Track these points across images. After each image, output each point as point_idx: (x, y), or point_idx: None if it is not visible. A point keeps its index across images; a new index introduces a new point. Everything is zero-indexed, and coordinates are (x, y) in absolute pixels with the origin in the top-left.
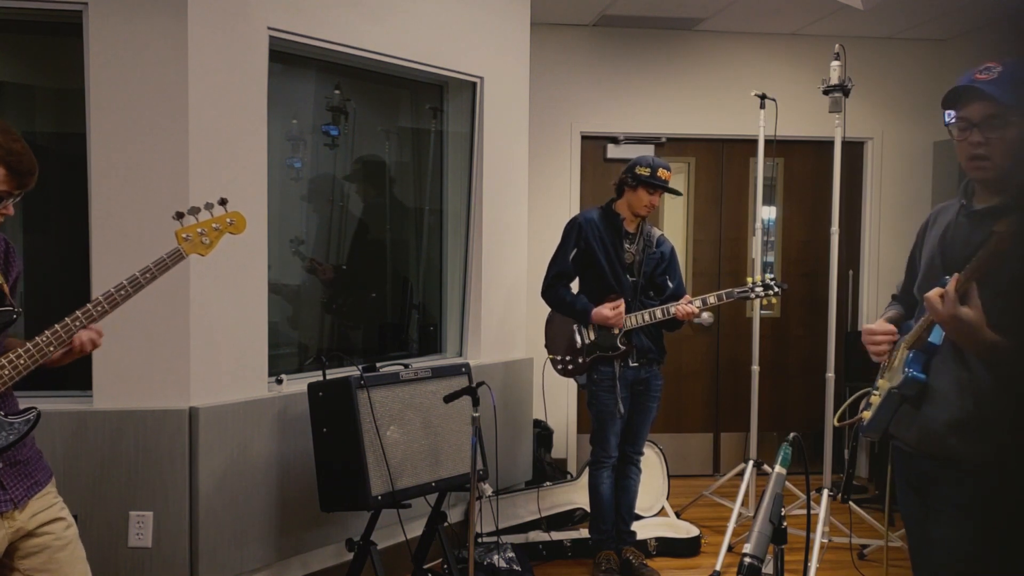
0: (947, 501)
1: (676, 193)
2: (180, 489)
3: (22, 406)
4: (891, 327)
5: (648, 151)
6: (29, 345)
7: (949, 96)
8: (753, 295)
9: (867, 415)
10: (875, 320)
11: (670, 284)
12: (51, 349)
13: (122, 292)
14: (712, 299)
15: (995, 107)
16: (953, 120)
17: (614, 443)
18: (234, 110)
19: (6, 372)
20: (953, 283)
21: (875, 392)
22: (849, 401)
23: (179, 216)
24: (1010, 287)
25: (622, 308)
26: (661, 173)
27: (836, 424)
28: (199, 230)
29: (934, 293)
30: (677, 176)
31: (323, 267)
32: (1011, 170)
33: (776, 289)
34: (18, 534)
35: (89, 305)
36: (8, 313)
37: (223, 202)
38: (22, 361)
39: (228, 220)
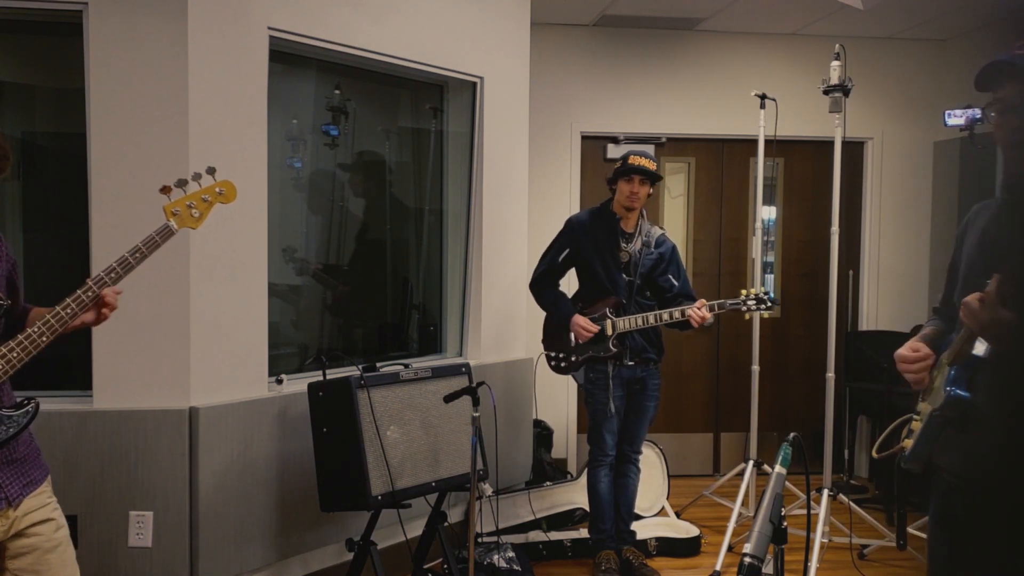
0: (994, 538)
1: (656, 176)
2: (180, 489)
3: (20, 399)
4: (924, 352)
5: (648, 151)
6: (21, 337)
7: (985, 74)
8: (744, 308)
9: (908, 443)
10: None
11: (675, 283)
12: (43, 340)
13: (112, 275)
14: (707, 308)
15: None
16: (991, 102)
17: (610, 442)
18: (234, 110)
19: None
20: (994, 283)
21: (916, 418)
22: (889, 430)
23: (166, 190)
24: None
25: (594, 330)
26: (633, 159)
27: (875, 456)
28: (188, 203)
29: (973, 297)
30: (677, 176)
31: (311, 263)
32: None
33: (768, 304)
34: (8, 533)
35: (79, 291)
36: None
37: (211, 171)
38: (15, 354)
39: (217, 190)
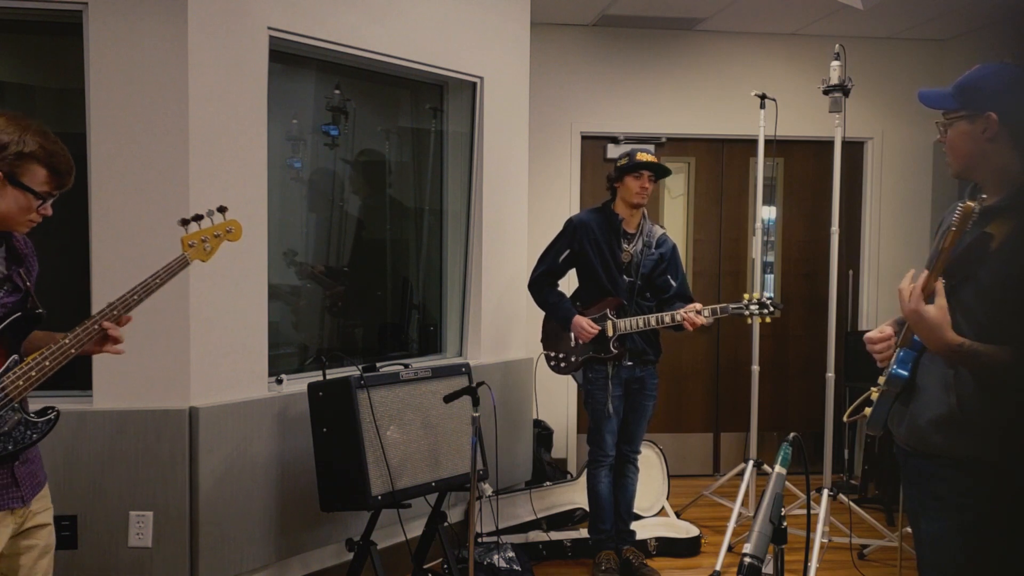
0: (933, 495)
1: (664, 171)
2: (180, 489)
3: (42, 407)
4: (888, 333)
5: (650, 148)
6: (54, 348)
7: (929, 99)
8: (747, 312)
9: (868, 411)
10: (878, 321)
11: (672, 284)
12: (72, 351)
13: (135, 296)
14: (707, 312)
15: (942, 110)
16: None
17: (610, 442)
18: (234, 110)
19: (33, 374)
20: (921, 281)
21: (876, 389)
22: (861, 400)
23: (184, 223)
24: (997, 286)
25: (595, 331)
26: (640, 156)
27: (846, 420)
28: (202, 238)
29: (907, 279)
30: (677, 176)
31: (312, 267)
32: (963, 167)
33: (771, 309)
34: (19, 530)
35: (106, 308)
36: (35, 314)
37: (222, 210)
38: (47, 363)
39: (227, 228)
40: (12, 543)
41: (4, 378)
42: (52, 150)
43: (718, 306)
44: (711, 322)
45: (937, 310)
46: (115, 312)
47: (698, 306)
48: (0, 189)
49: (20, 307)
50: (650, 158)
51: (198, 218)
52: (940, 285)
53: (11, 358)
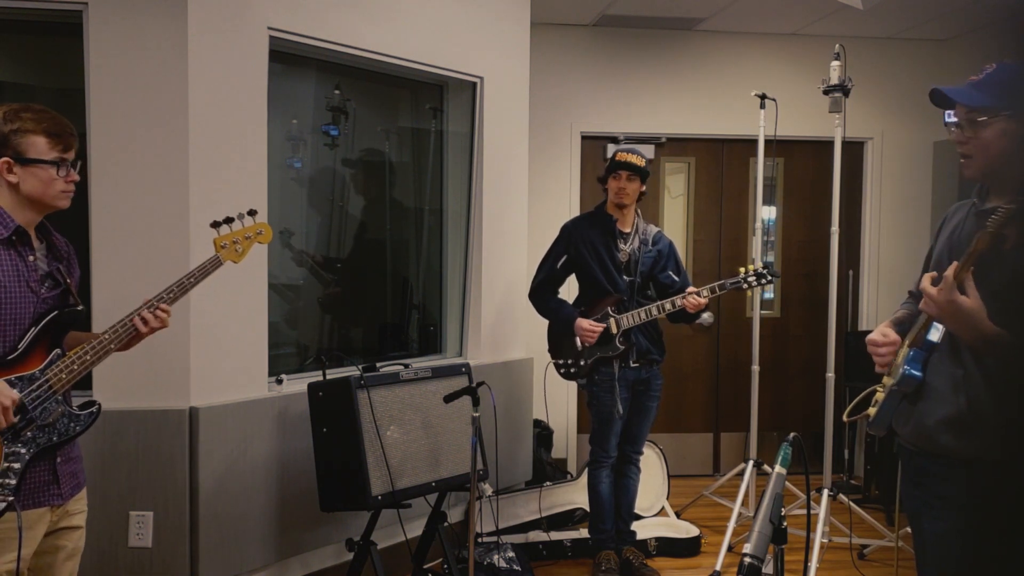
0: (937, 495)
1: (643, 172)
2: (180, 489)
3: (84, 400)
4: (892, 337)
5: (648, 151)
6: (94, 342)
7: (931, 99)
8: (745, 285)
9: (873, 411)
10: (878, 321)
11: (676, 279)
12: (113, 347)
13: (170, 295)
14: (705, 292)
15: (971, 108)
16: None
17: (614, 443)
18: (234, 110)
19: (75, 367)
20: (951, 270)
21: (880, 389)
22: (860, 397)
23: (215, 225)
24: (1009, 287)
25: (599, 329)
26: (619, 156)
27: (845, 419)
28: (233, 239)
29: (928, 280)
30: (677, 176)
31: (308, 254)
32: (989, 167)
33: (770, 278)
34: (53, 528)
35: (143, 306)
36: (75, 311)
37: (252, 213)
38: (88, 357)
39: (258, 231)
40: (43, 540)
41: (48, 371)
42: (39, 117)
43: (716, 284)
44: (711, 321)
45: (974, 300)
46: (151, 309)
47: (692, 289)
48: (16, 172)
49: (61, 303)
50: (629, 157)
51: (229, 220)
52: (970, 276)
53: (54, 352)
